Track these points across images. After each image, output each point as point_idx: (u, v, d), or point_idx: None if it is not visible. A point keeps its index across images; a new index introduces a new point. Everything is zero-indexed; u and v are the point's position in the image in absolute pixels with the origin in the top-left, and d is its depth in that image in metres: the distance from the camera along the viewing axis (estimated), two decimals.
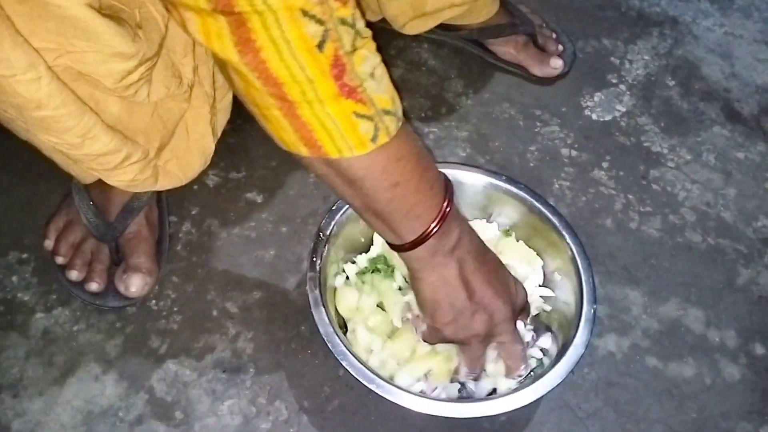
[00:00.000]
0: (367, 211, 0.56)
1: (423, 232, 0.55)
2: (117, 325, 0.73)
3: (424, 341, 0.64)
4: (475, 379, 0.65)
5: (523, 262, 0.71)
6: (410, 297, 0.66)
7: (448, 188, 0.57)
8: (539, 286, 0.71)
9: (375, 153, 0.50)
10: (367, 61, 0.48)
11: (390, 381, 0.62)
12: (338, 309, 0.68)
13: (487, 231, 0.74)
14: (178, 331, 0.72)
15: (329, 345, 0.62)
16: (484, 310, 0.59)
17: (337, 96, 0.47)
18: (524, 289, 0.65)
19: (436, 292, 0.59)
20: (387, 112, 0.50)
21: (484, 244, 0.62)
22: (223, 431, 0.67)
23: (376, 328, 0.67)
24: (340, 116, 0.48)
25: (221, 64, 0.49)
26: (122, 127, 0.64)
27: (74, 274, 0.73)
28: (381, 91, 0.49)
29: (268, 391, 0.69)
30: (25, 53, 0.52)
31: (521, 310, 0.64)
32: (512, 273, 0.65)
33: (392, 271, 0.69)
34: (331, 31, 0.45)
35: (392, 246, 0.58)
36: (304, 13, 0.43)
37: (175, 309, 0.74)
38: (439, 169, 0.58)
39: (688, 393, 0.73)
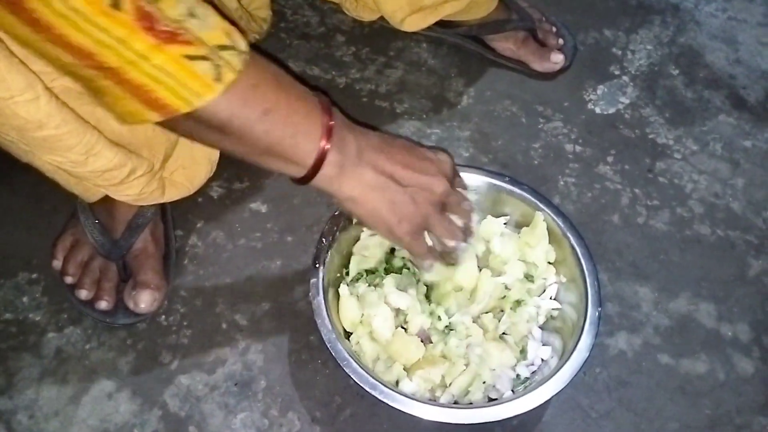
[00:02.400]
0: (255, 153, 0.54)
1: (318, 149, 0.54)
2: (128, 342, 0.73)
3: (413, 255, 0.63)
4: (464, 240, 0.63)
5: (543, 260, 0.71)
6: (401, 303, 0.67)
7: (322, 100, 0.56)
8: (550, 298, 0.71)
9: (227, 93, 0.48)
10: (181, 2, 0.45)
11: (394, 388, 0.62)
12: (342, 323, 0.68)
13: (494, 226, 0.73)
14: (189, 345, 0.73)
15: (332, 352, 0.62)
16: (419, 189, 0.59)
17: (157, 46, 0.44)
18: (445, 153, 0.63)
19: (368, 202, 0.58)
20: (224, 47, 0.47)
21: (384, 136, 0.61)
22: None
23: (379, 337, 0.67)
24: (171, 64, 0.45)
25: (33, 49, 0.45)
26: (125, 142, 0.64)
27: (84, 293, 0.73)
28: (209, 27, 0.47)
29: (279, 402, 0.69)
30: (22, 74, 0.52)
31: (452, 169, 0.63)
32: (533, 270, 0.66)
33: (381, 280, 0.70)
34: None
35: (300, 181, 0.56)
36: None
37: (185, 323, 0.74)
38: (303, 85, 0.56)
39: (702, 389, 0.72)
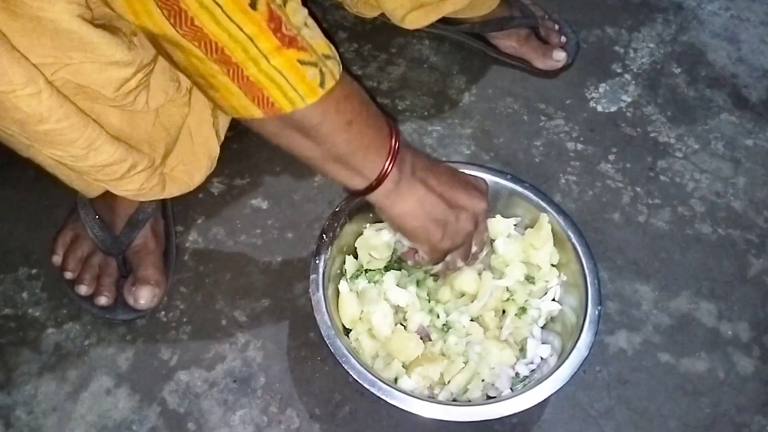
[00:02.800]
0: (329, 160, 0.56)
1: (384, 165, 0.57)
2: (127, 338, 0.73)
3: (429, 266, 0.66)
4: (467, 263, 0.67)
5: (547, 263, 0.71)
6: (401, 300, 0.67)
7: (388, 117, 0.59)
8: (552, 300, 0.71)
9: (326, 97, 0.51)
10: (299, 12, 0.50)
11: (393, 385, 0.61)
12: (342, 319, 0.68)
13: (501, 226, 0.73)
14: (188, 341, 0.73)
15: (331, 348, 0.62)
16: (464, 210, 0.62)
17: (279, 48, 0.48)
18: (483, 179, 0.67)
19: (417, 218, 0.60)
20: (327, 57, 0.52)
21: (431, 157, 0.65)
22: None
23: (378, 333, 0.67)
24: (287, 67, 0.48)
25: (156, 41, 0.49)
26: (126, 137, 0.64)
27: (83, 289, 0.73)
28: (317, 37, 0.51)
29: (279, 399, 0.69)
30: (23, 68, 0.52)
31: (488, 194, 0.67)
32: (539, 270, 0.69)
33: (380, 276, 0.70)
34: None
35: (360, 192, 0.59)
36: None
37: (185, 320, 0.74)
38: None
39: (702, 388, 0.72)
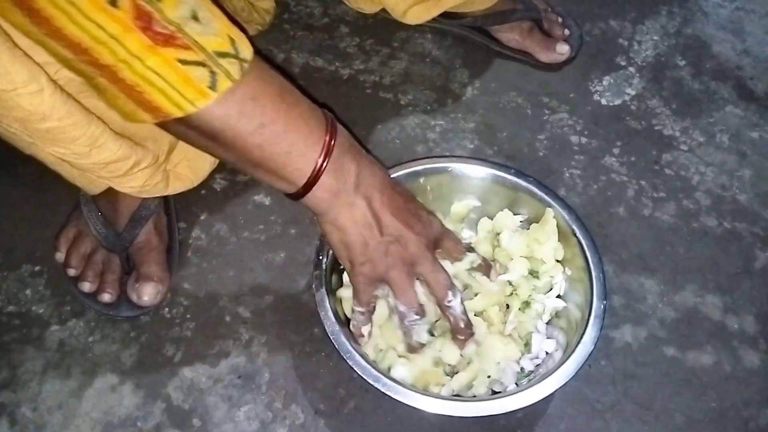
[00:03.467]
0: (246, 164, 0.53)
1: (312, 171, 0.53)
2: (131, 335, 0.73)
3: (356, 295, 0.62)
4: (417, 314, 0.62)
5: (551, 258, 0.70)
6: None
7: (328, 120, 0.55)
8: (557, 296, 0.70)
9: (222, 100, 0.47)
10: (183, 4, 0.44)
11: (398, 381, 0.61)
12: (344, 308, 0.68)
13: (508, 220, 0.72)
14: (192, 338, 0.73)
15: (335, 344, 0.62)
16: (396, 242, 0.58)
17: (151, 47, 0.43)
18: (437, 219, 0.63)
19: (346, 234, 0.58)
20: (223, 54, 0.46)
21: (389, 177, 0.60)
22: None
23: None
24: (164, 67, 0.44)
25: (41, 43, 0.45)
26: (130, 133, 0.64)
27: (87, 286, 0.73)
28: (210, 33, 0.46)
29: (283, 395, 0.69)
30: (25, 66, 0.52)
31: (437, 240, 0.62)
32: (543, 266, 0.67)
33: None
34: None
35: (290, 196, 0.56)
36: None
37: (188, 316, 0.74)
38: (315, 105, 0.55)
39: (708, 382, 0.72)
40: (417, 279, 0.62)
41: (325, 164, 0.54)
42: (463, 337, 0.63)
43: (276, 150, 0.52)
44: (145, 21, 0.43)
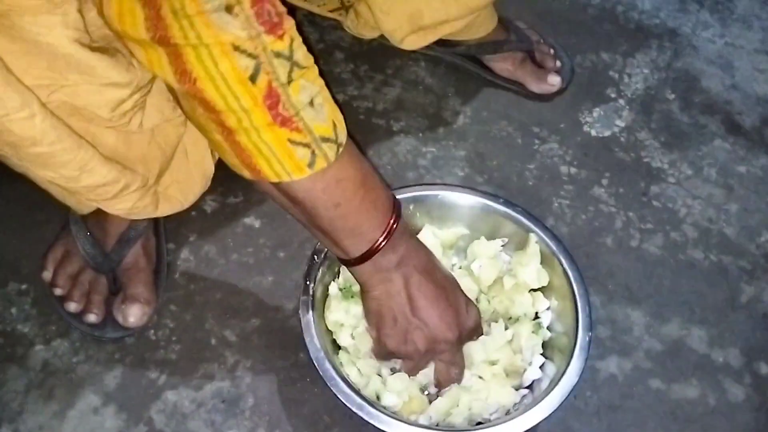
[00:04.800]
0: (315, 228, 0.58)
1: (368, 249, 0.58)
2: (116, 356, 0.72)
3: (374, 356, 0.66)
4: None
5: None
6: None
7: (395, 206, 0.60)
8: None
9: (313, 177, 0.52)
10: (305, 90, 0.50)
11: (381, 408, 0.61)
12: (327, 323, 0.68)
13: (489, 248, 0.73)
14: (177, 360, 0.72)
15: (319, 370, 0.62)
16: (425, 327, 0.61)
17: (270, 124, 0.49)
18: (475, 309, 0.65)
19: (380, 305, 0.61)
20: (325, 140, 0.52)
21: (436, 263, 0.64)
22: None
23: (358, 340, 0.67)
24: (276, 143, 0.50)
25: (170, 89, 0.51)
26: (120, 157, 0.64)
27: (73, 306, 0.73)
28: (320, 119, 0.51)
29: (267, 421, 0.69)
30: (17, 92, 0.52)
31: (472, 332, 0.65)
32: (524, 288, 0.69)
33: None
34: (264, 63, 0.47)
35: (340, 260, 0.61)
36: (236, 47, 0.45)
37: (174, 338, 0.74)
38: (388, 189, 0.60)
39: (693, 415, 0.72)
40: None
41: (383, 244, 0.58)
42: (441, 388, 0.66)
43: (343, 226, 0.57)
44: (273, 101, 0.48)
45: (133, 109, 0.61)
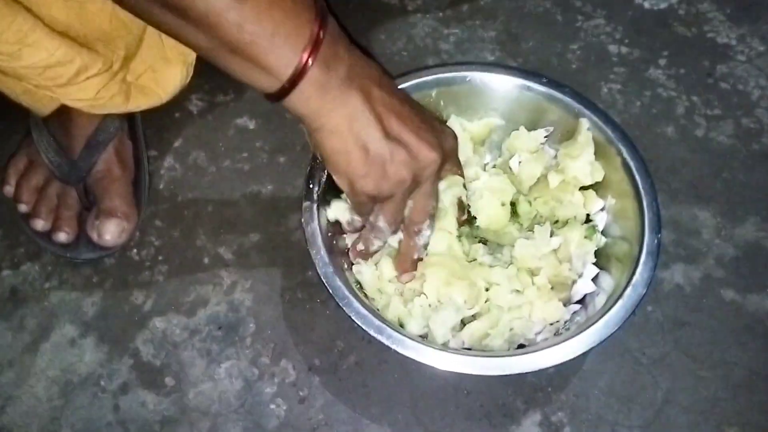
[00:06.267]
0: (222, 50, 0.42)
1: (299, 60, 0.42)
2: (94, 280, 0.62)
3: (356, 215, 0.54)
4: (394, 232, 0.54)
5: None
6: None
7: (317, 3, 0.44)
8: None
9: None
10: None
11: (408, 334, 0.51)
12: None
13: (531, 140, 0.61)
14: (165, 283, 0.62)
15: (329, 288, 0.51)
16: (405, 150, 0.47)
17: None
18: (451, 130, 0.53)
19: (343, 138, 0.46)
20: None
21: (390, 78, 0.50)
22: (222, 398, 0.57)
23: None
24: None
25: None
26: (75, 33, 0.54)
27: (40, 224, 0.63)
28: None
29: (272, 348, 0.59)
30: None
31: (451, 152, 0.53)
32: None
33: None
34: None
35: (272, 96, 0.45)
36: None
37: (160, 258, 0.63)
38: None
39: None
40: None
41: (314, 51, 0.43)
42: (402, 269, 0.55)
43: (258, 29, 0.41)
44: None
45: None
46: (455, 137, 0.54)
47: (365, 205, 0.51)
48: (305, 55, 0.42)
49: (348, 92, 0.45)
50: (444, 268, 0.54)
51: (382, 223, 0.52)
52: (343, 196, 0.56)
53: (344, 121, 0.45)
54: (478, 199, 0.59)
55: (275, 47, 0.42)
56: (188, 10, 0.39)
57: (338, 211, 0.56)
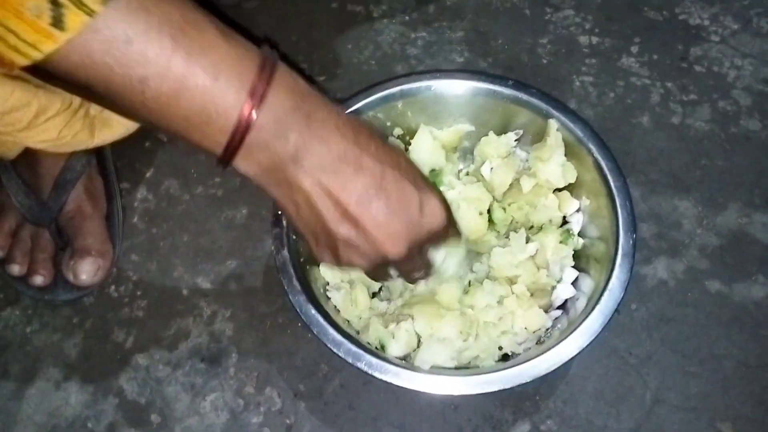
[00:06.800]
0: (148, 120, 0.37)
1: (229, 140, 0.37)
2: (74, 321, 0.62)
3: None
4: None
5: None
6: None
7: (264, 59, 0.37)
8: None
9: (78, 43, 0.33)
10: None
11: (388, 358, 0.50)
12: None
13: (501, 145, 0.60)
14: (145, 318, 0.62)
15: (302, 317, 0.51)
16: (359, 244, 0.41)
17: None
18: (440, 198, 0.44)
19: (290, 219, 0.42)
20: None
21: (366, 135, 0.41)
22: (209, 431, 0.57)
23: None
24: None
25: None
26: (29, 76, 0.51)
27: (16, 268, 0.62)
28: None
29: (255, 377, 0.59)
30: None
31: (434, 235, 0.44)
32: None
33: None
34: None
35: (219, 162, 0.39)
36: None
37: (139, 293, 0.63)
38: (239, 38, 0.37)
39: (762, 319, 0.60)
40: None
41: (250, 130, 0.37)
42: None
43: (174, 111, 0.36)
44: None
45: None
46: (442, 204, 0.44)
47: (329, 266, 0.49)
48: (237, 135, 0.37)
49: (294, 176, 0.39)
50: (430, 304, 0.53)
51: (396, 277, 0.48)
52: None
53: (291, 206, 0.41)
54: (456, 210, 0.58)
55: (201, 128, 0.37)
56: (91, 88, 0.35)
57: None
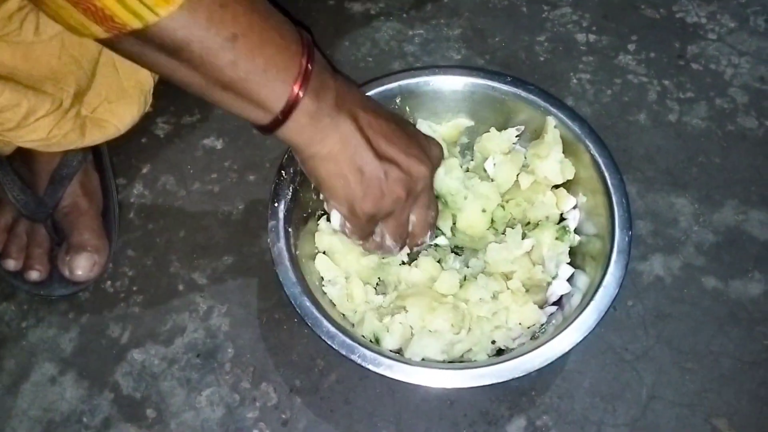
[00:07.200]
0: (215, 88, 0.43)
1: (291, 92, 0.44)
2: (70, 316, 0.62)
3: (356, 241, 0.53)
4: (401, 248, 0.55)
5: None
6: None
7: (303, 36, 0.45)
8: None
9: (188, 7, 0.38)
10: None
11: (382, 351, 0.50)
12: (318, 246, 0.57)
13: (503, 141, 0.60)
14: (141, 314, 0.62)
15: (297, 309, 0.51)
16: (398, 168, 0.49)
17: None
18: (438, 144, 0.54)
19: (338, 163, 0.47)
20: None
21: (372, 99, 0.52)
22: (204, 426, 0.57)
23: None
24: None
25: None
26: (21, 75, 0.52)
27: (11, 263, 0.62)
28: None
29: (251, 372, 0.58)
30: None
31: (438, 160, 0.54)
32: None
33: None
34: None
35: (265, 128, 0.46)
36: None
37: (135, 288, 0.63)
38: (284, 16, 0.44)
39: (758, 315, 0.60)
40: None
41: (304, 83, 0.44)
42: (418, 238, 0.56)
43: (250, 67, 0.42)
44: None
45: (21, 11, 0.49)
46: (440, 147, 0.55)
47: (365, 227, 0.51)
48: (296, 88, 0.43)
49: (338, 119, 0.46)
50: (424, 296, 0.53)
51: (389, 241, 0.53)
52: (320, 222, 0.57)
53: (337, 146, 0.47)
54: (461, 200, 0.58)
55: (268, 82, 0.43)
56: (183, 50, 0.40)
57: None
